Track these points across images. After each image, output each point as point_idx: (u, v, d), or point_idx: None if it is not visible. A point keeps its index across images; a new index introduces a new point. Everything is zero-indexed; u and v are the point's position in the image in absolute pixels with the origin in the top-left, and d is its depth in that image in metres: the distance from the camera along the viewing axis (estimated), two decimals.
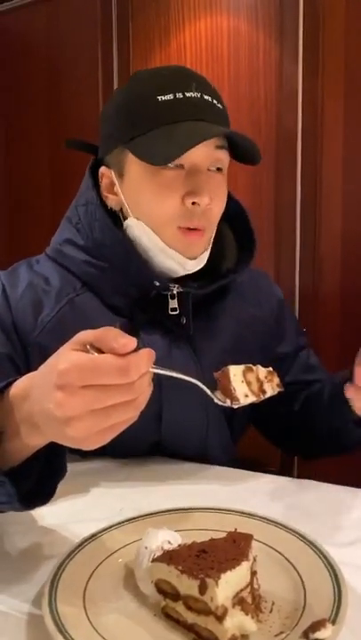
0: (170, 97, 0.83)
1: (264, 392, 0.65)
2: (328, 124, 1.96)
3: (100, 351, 0.51)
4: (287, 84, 2.01)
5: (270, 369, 0.67)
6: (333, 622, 0.54)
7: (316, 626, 0.53)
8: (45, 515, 0.75)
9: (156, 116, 0.83)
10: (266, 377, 0.65)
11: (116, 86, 2.35)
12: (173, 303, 0.89)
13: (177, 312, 0.89)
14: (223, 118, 0.87)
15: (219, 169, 0.88)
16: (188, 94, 0.83)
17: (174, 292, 0.89)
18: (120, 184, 0.89)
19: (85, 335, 0.53)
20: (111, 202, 0.91)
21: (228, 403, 0.63)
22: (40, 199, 2.56)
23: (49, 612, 0.55)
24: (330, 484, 0.85)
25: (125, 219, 0.90)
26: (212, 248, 0.93)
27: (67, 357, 0.51)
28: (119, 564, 0.65)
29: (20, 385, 0.59)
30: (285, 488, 0.84)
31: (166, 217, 0.85)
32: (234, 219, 0.98)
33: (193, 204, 0.84)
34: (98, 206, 0.90)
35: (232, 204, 0.95)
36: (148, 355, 0.52)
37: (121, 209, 0.91)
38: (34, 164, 2.57)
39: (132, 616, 0.58)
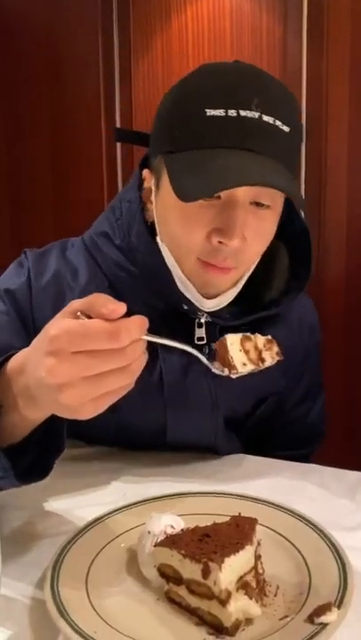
0: (220, 113, 0.69)
1: (263, 360, 0.63)
2: (333, 107, 1.93)
3: (91, 318, 0.51)
4: (291, 64, 1.98)
5: (269, 337, 0.65)
6: (339, 606, 0.53)
7: (322, 610, 0.52)
8: (49, 499, 0.75)
9: (198, 134, 0.70)
10: (265, 345, 0.64)
11: (117, 66, 2.32)
12: (200, 332, 0.81)
13: (204, 342, 0.81)
14: (283, 147, 0.71)
15: (264, 204, 0.73)
16: (242, 113, 0.68)
17: (202, 320, 0.81)
18: (155, 196, 0.79)
19: (76, 303, 0.53)
20: (148, 210, 0.81)
21: (226, 372, 0.62)
22: (41, 180, 2.54)
23: (51, 597, 0.55)
24: (334, 468, 0.85)
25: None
26: (258, 273, 0.82)
27: (57, 324, 0.51)
28: (122, 549, 0.64)
29: (17, 359, 0.59)
30: (290, 472, 0.83)
31: (188, 250, 0.75)
32: (295, 239, 0.87)
33: (220, 242, 0.72)
34: (139, 211, 0.81)
35: (298, 223, 0.85)
36: (139, 321, 0.51)
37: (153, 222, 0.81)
38: (34, 144, 2.55)
39: (135, 600, 0.58)
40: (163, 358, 0.82)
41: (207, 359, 0.63)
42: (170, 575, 0.57)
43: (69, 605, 0.54)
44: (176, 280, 0.79)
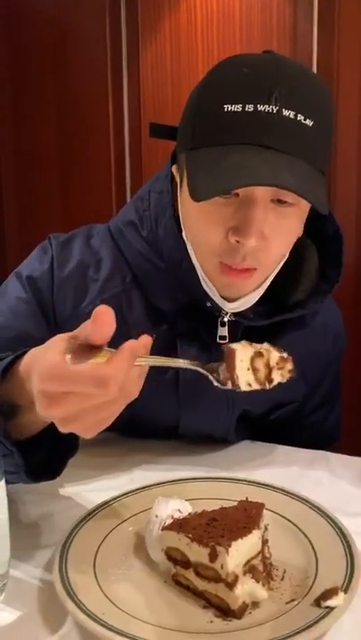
0: (238, 108, 0.66)
1: (271, 381, 0.59)
2: (344, 88, 1.90)
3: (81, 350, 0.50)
4: (301, 46, 1.94)
5: (285, 354, 0.60)
6: (346, 590, 0.53)
7: (328, 594, 0.53)
8: (58, 483, 0.75)
9: (216, 130, 0.68)
10: (278, 363, 0.59)
11: (124, 49, 2.29)
12: (223, 331, 0.79)
13: (226, 341, 0.79)
14: (305, 143, 0.67)
15: (287, 202, 0.69)
16: (260, 107, 0.65)
17: (225, 319, 0.79)
18: (180, 192, 0.77)
19: (65, 335, 0.52)
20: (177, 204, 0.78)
21: (229, 385, 0.58)
22: (48, 166, 2.53)
23: (60, 578, 0.56)
24: (341, 455, 0.85)
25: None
26: (286, 273, 0.79)
27: (44, 363, 0.50)
28: (130, 532, 0.65)
29: (24, 362, 0.59)
30: (297, 458, 0.84)
31: (208, 249, 0.73)
32: (327, 239, 0.83)
33: (237, 241, 0.69)
34: (170, 204, 0.78)
35: (330, 224, 0.82)
36: (129, 352, 0.50)
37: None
38: (41, 129, 2.53)
39: (143, 583, 0.58)
40: (180, 349, 0.80)
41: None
42: (177, 559, 0.57)
43: (77, 587, 0.55)
44: (200, 278, 0.77)
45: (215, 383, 0.59)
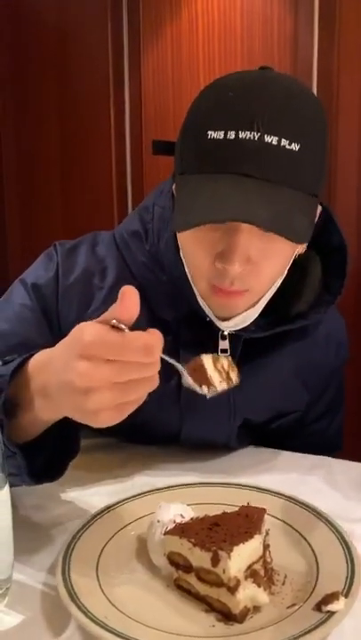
0: (220, 135, 0.65)
1: (230, 380, 0.63)
2: (344, 98, 1.92)
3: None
4: (302, 56, 1.96)
5: (230, 358, 0.64)
6: (346, 595, 0.54)
7: (329, 598, 0.53)
8: (60, 487, 0.75)
9: (199, 157, 0.67)
10: (229, 366, 0.63)
11: (126, 57, 2.31)
12: (224, 344, 0.79)
13: (227, 354, 0.79)
14: (289, 169, 0.65)
15: None
16: (241, 135, 0.64)
17: (225, 332, 0.79)
18: None
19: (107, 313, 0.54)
20: None
21: (204, 390, 0.61)
22: (49, 171, 2.55)
23: (62, 582, 0.56)
24: (342, 460, 0.85)
25: None
26: (288, 285, 0.78)
27: (93, 330, 0.52)
28: (132, 537, 0.65)
29: (37, 358, 0.60)
30: (298, 464, 0.84)
31: (198, 272, 0.73)
32: (331, 251, 0.83)
33: (224, 267, 0.69)
34: (171, 221, 0.78)
35: (336, 236, 0.82)
36: (160, 335, 0.53)
37: None
38: (43, 134, 2.55)
39: (145, 587, 0.59)
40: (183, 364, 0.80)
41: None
42: (179, 563, 0.58)
43: (80, 591, 0.55)
44: (196, 295, 0.77)
45: (192, 386, 0.61)
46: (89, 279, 0.84)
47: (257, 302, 0.75)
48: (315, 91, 1.95)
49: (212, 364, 0.62)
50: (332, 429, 0.97)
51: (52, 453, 0.65)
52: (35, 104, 2.55)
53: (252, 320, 0.77)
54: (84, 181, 2.47)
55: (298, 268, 0.79)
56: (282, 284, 0.77)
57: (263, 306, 0.76)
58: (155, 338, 0.52)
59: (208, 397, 0.61)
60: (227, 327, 0.77)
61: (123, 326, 0.52)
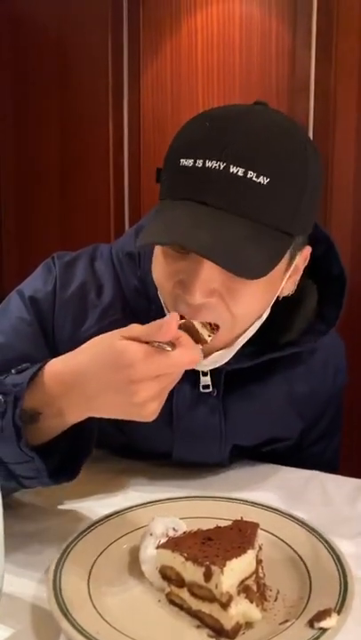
0: (190, 163, 0.65)
1: (214, 330, 0.67)
2: (341, 113, 1.94)
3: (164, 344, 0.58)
4: (300, 71, 1.99)
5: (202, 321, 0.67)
6: (339, 612, 0.53)
7: (322, 615, 0.53)
8: (53, 499, 0.75)
9: (170, 184, 0.68)
10: (202, 324, 0.67)
11: (126, 70, 2.33)
12: (206, 380, 0.78)
13: (209, 389, 0.79)
14: (254, 201, 0.63)
15: None
16: (208, 163, 0.63)
17: (205, 369, 0.77)
18: None
19: (137, 328, 0.60)
20: None
21: (201, 354, 0.67)
22: (47, 183, 2.56)
23: (53, 596, 0.56)
24: (335, 475, 0.85)
25: None
26: (279, 316, 0.76)
27: (141, 355, 0.58)
28: (124, 550, 0.65)
29: (56, 371, 0.64)
30: (292, 479, 0.84)
31: (168, 303, 0.72)
32: (331, 281, 0.80)
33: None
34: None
35: (336, 265, 0.80)
36: (191, 340, 0.62)
37: None
38: (42, 146, 2.57)
39: (137, 601, 0.58)
40: (176, 388, 0.73)
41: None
42: (171, 577, 0.57)
43: (72, 605, 0.55)
44: None
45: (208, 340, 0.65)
46: (85, 295, 0.83)
47: (233, 342, 0.72)
48: (312, 104, 1.97)
49: (198, 321, 0.66)
50: (328, 452, 0.96)
51: (67, 453, 0.68)
52: (34, 119, 2.57)
53: (228, 359, 0.75)
54: (82, 195, 2.48)
55: (292, 298, 0.76)
56: (271, 314, 0.75)
57: (241, 345, 0.73)
58: (195, 352, 0.60)
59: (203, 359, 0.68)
60: (204, 366, 0.74)
61: (167, 347, 0.58)
